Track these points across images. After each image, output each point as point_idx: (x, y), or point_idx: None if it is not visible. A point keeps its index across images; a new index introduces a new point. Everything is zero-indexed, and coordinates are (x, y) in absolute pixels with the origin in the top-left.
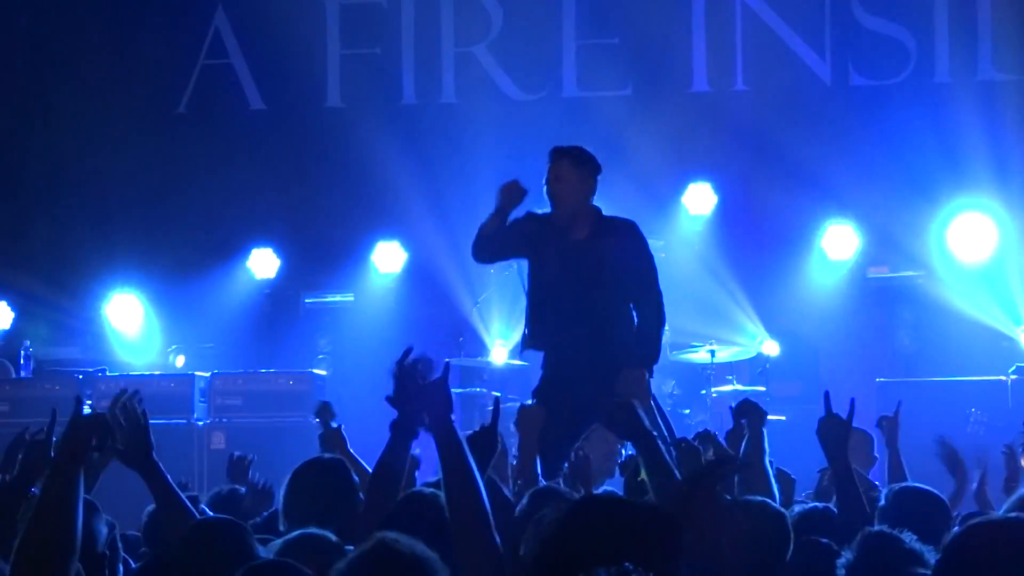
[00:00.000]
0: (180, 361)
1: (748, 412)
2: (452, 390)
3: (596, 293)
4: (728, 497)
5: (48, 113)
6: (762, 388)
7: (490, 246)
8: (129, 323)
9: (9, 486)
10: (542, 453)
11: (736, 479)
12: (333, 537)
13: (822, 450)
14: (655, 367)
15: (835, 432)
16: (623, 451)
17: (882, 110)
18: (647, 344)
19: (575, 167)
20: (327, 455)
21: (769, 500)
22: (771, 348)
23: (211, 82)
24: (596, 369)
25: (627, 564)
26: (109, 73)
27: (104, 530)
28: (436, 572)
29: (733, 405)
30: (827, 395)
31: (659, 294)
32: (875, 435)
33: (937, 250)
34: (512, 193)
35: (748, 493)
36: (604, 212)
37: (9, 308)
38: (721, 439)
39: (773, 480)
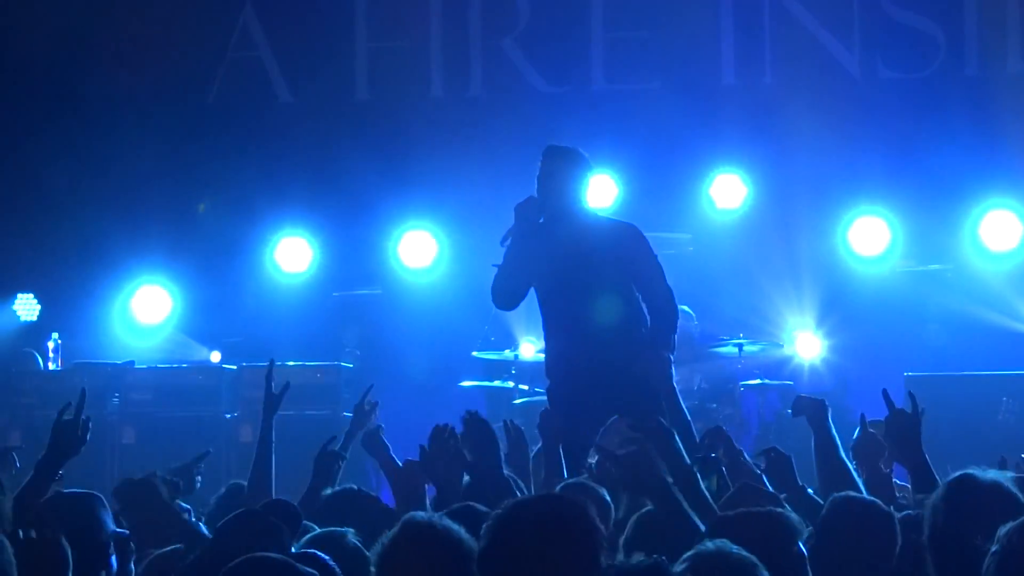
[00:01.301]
0: (215, 356)
1: (805, 408)
2: (479, 384)
3: (596, 291)
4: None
5: (76, 105)
6: (790, 382)
7: (506, 295)
8: (156, 315)
9: (40, 464)
10: (564, 450)
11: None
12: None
13: (896, 449)
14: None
15: (906, 428)
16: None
17: (911, 103)
18: (662, 334)
19: (569, 166)
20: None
21: (875, 499)
22: (805, 344)
23: (239, 75)
24: (606, 364)
25: None
26: (138, 65)
27: (109, 520)
28: (468, 548)
29: (791, 411)
30: (886, 392)
31: (668, 289)
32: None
33: (967, 244)
34: (528, 208)
35: (833, 490)
36: (601, 215)
37: (36, 300)
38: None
39: (855, 473)
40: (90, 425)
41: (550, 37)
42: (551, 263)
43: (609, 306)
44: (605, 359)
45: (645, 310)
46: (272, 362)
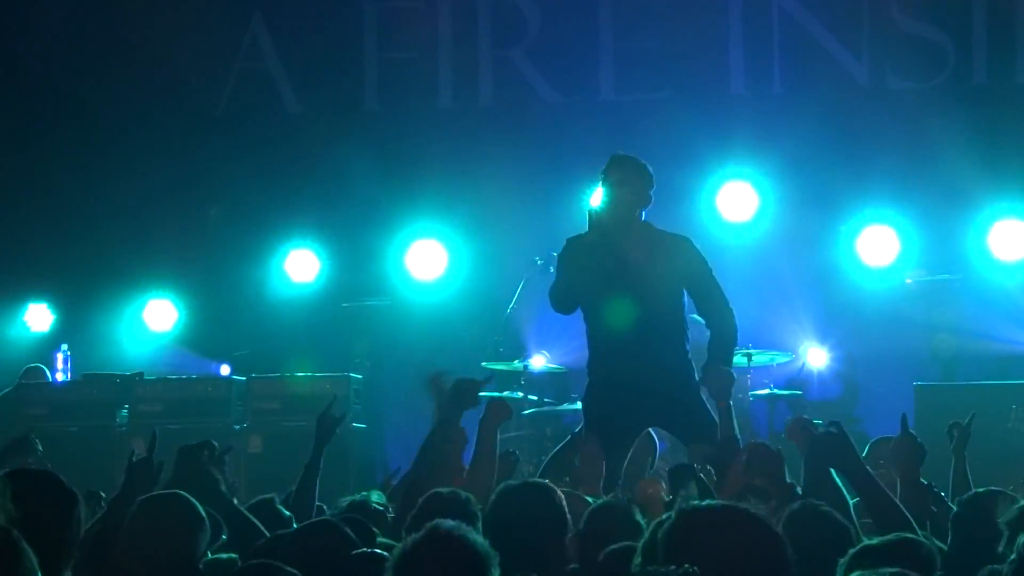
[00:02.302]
0: (224, 370)
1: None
2: (490, 394)
3: (647, 305)
4: None
5: (86, 116)
6: (799, 392)
7: (565, 300)
8: (165, 326)
9: (115, 501)
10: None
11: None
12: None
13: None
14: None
15: (912, 454)
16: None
17: (920, 113)
18: (724, 350)
19: (632, 177)
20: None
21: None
22: (815, 355)
23: (248, 86)
24: (649, 374)
25: None
26: (147, 76)
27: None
28: (490, 560)
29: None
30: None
31: (726, 302)
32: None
33: (976, 253)
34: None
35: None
36: (656, 227)
37: (50, 310)
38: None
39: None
40: (162, 466)
41: (559, 47)
42: (605, 271)
43: (656, 317)
44: (648, 368)
45: (687, 323)
46: (335, 397)
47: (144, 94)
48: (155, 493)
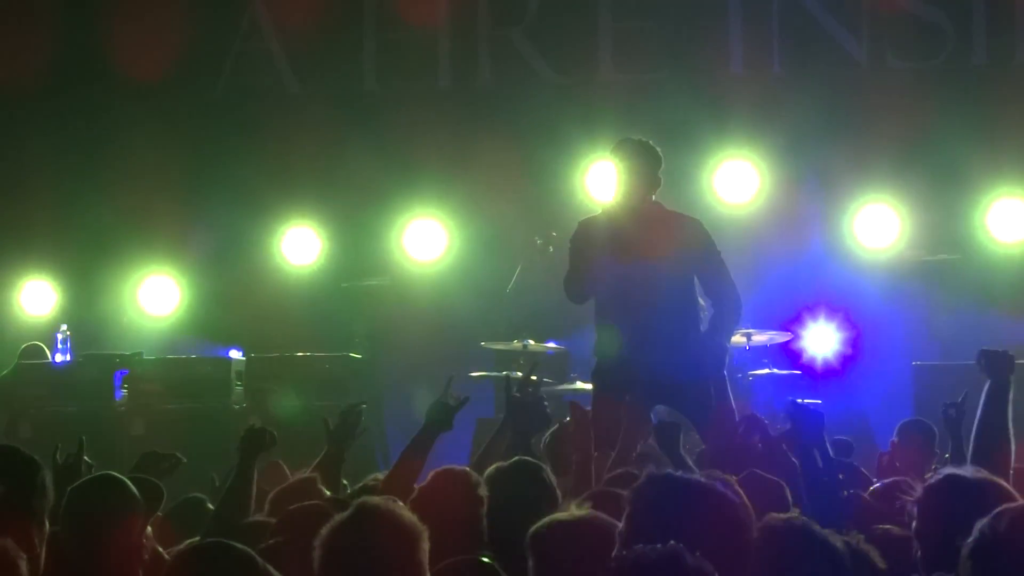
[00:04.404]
0: (235, 355)
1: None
2: (487, 373)
3: (657, 285)
4: None
5: (85, 96)
6: (798, 372)
7: (578, 288)
8: (164, 306)
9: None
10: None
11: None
12: None
13: None
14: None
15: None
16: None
17: (919, 93)
18: (723, 327)
19: (638, 160)
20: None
21: None
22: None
23: (247, 66)
24: (658, 355)
25: None
26: (146, 55)
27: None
28: (418, 534)
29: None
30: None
31: (732, 284)
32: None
33: (975, 233)
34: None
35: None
36: (666, 207)
37: (49, 290)
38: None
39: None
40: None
41: (558, 27)
42: (616, 252)
43: (666, 297)
44: (657, 349)
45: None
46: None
47: (143, 73)
48: None
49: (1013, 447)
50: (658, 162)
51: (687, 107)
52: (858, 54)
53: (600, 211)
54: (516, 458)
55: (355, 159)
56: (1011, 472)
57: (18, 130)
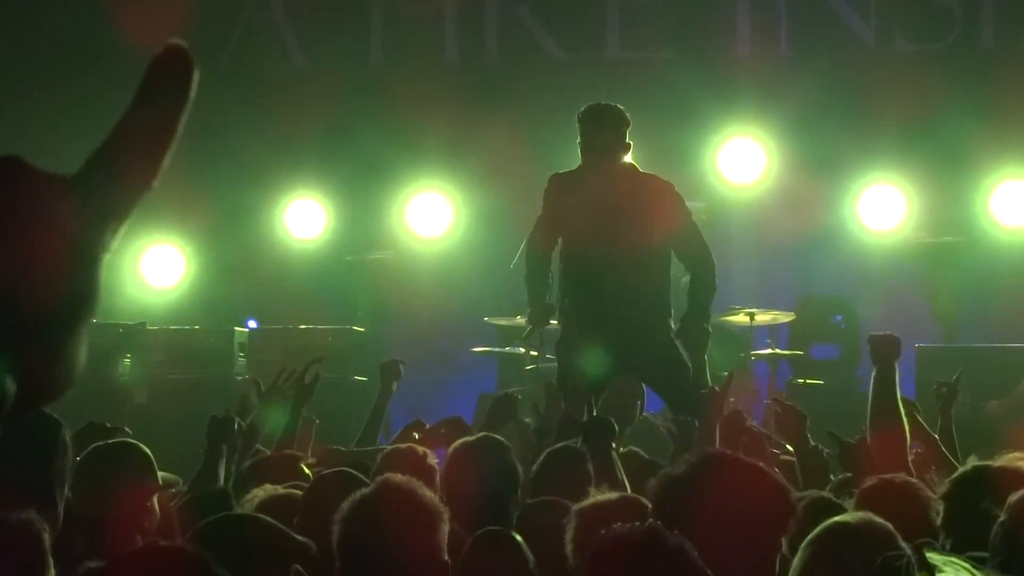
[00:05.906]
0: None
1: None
2: (489, 349)
3: (627, 246)
4: None
5: (87, 67)
6: (800, 352)
7: (538, 260)
8: (167, 277)
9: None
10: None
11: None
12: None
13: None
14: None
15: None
16: (640, 402)
17: (926, 75)
18: (701, 303)
19: (609, 124)
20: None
21: None
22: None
23: (253, 38)
24: (625, 319)
25: None
26: (150, 26)
27: None
28: (439, 514)
29: None
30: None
31: (706, 250)
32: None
33: (979, 216)
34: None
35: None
36: (640, 170)
37: None
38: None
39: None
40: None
41: (565, 4)
42: (579, 212)
43: (633, 259)
44: (624, 312)
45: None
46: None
47: (147, 44)
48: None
49: (907, 427)
50: (626, 122)
51: (694, 86)
52: (866, 35)
53: (575, 168)
54: (481, 435)
55: (361, 132)
56: (909, 451)
57: (16, 98)
